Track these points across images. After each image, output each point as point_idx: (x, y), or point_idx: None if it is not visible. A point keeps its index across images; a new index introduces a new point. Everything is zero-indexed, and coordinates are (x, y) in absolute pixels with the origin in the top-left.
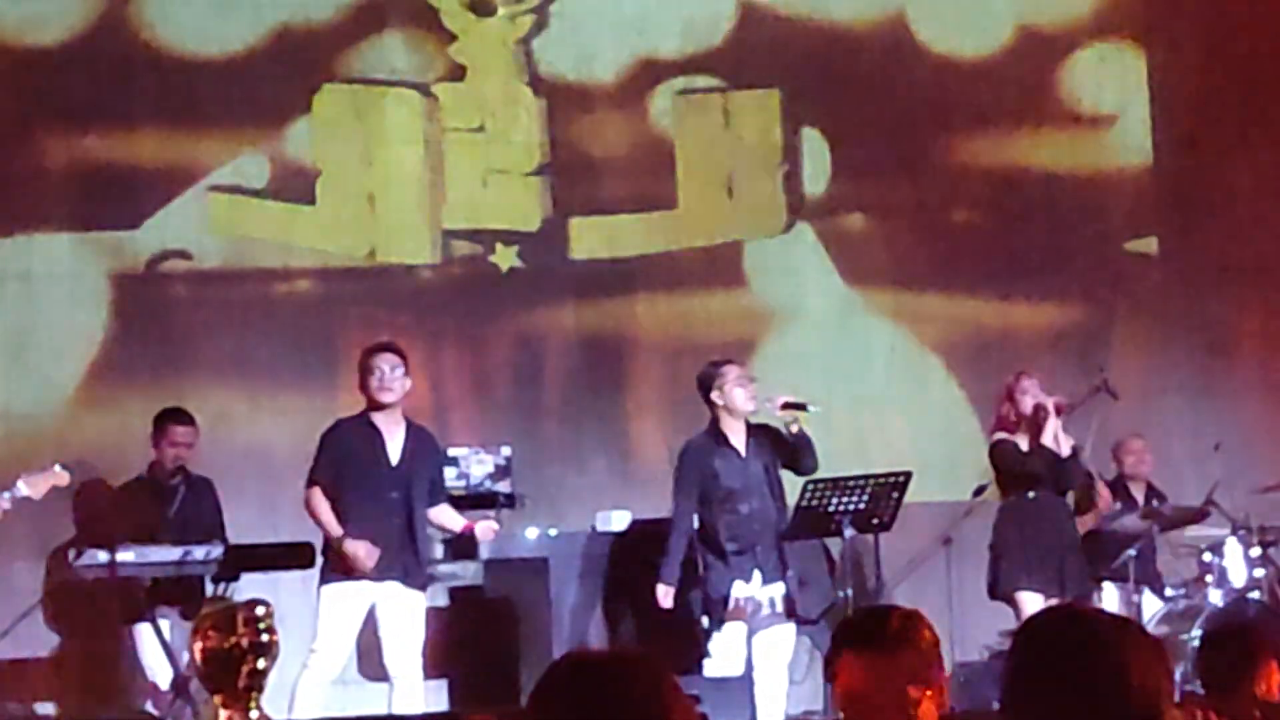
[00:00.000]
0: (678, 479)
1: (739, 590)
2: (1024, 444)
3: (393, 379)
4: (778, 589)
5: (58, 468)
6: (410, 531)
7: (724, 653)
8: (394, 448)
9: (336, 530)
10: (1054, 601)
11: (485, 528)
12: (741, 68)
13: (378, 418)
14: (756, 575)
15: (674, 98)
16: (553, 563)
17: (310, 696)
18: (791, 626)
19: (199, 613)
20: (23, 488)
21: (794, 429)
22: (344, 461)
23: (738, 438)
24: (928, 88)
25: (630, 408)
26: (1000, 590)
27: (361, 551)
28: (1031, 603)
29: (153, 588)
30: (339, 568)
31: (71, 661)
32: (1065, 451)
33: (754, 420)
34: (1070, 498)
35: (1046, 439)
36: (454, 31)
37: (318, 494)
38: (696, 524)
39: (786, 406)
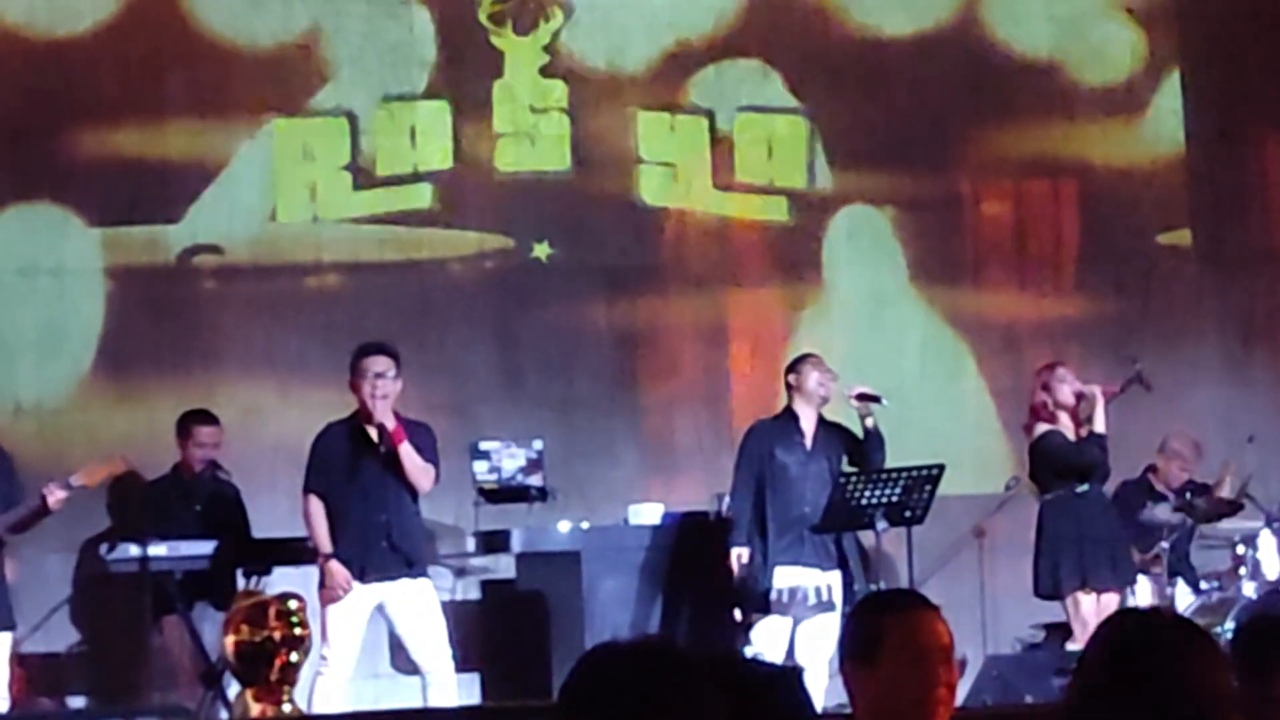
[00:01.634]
0: (738, 459)
1: (781, 580)
2: (1070, 434)
3: (385, 389)
4: (834, 577)
5: (115, 459)
6: (398, 524)
7: (765, 644)
8: (378, 446)
9: (326, 547)
10: (1109, 595)
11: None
12: (772, 61)
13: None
14: (804, 561)
15: (706, 91)
16: (585, 556)
17: (329, 698)
18: (837, 616)
19: (231, 606)
20: (79, 477)
21: (869, 422)
22: (334, 466)
23: (807, 424)
24: (960, 80)
25: (662, 401)
26: (1058, 589)
27: (339, 579)
28: (1087, 602)
29: (184, 581)
30: None
31: (103, 654)
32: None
33: (827, 416)
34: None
35: (1098, 426)
36: (486, 27)
37: (315, 504)
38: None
39: (862, 397)
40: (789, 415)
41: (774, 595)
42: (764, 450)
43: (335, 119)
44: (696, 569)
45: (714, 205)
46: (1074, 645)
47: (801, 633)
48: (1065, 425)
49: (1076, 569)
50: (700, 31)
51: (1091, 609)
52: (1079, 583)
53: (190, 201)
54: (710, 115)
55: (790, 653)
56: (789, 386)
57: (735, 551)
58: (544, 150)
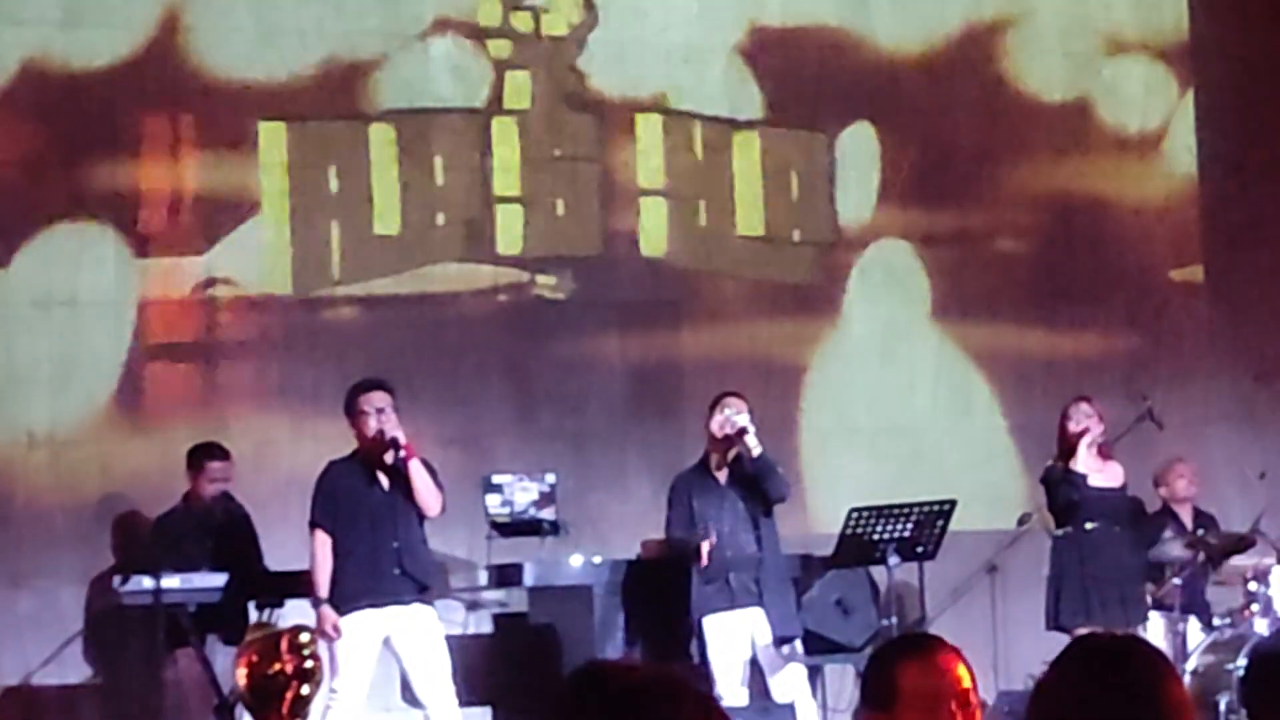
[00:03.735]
0: (668, 513)
1: (715, 624)
2: (1081, 468)
3: (384, 424)
4: (754, 614)
5: None
6: (408, 551)
7: (719, 684)
8: (383, 475)
9: (322, 591)
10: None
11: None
12: (788, 95)
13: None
14: (733, 604)
15: (717, 126)
16: (597, 590)
17: None
18: (791, 653)
19: (243, 639)
20: None
21: (754, 453)
22: (340, 501)
23: (719, 466)
24: (974, 116)
25: (675, 435)
26: (1059, 623)
27: (327, 624)
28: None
29: (197, 614)
30: (342, 602)
31: (116, 688)
32: (1112, 482)
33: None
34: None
35: (1076, 465)
36: (502, 59)
37: (321, 540)
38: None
39: (739, 433)
40: (705, 459)
41: (712, 658)
42: (683, 502)
43: (351, 152)
44: None
45: (728, 238)
46: None
47: (775, 685)
48: (1077, 460)
49: (1080, 605)
50: (713, 64)
51: None
52: (1082, 618)
53: (205, 235)
54: (726, 148)
55: (766, 693)
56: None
57: (705, 544)
58: (559, 185)
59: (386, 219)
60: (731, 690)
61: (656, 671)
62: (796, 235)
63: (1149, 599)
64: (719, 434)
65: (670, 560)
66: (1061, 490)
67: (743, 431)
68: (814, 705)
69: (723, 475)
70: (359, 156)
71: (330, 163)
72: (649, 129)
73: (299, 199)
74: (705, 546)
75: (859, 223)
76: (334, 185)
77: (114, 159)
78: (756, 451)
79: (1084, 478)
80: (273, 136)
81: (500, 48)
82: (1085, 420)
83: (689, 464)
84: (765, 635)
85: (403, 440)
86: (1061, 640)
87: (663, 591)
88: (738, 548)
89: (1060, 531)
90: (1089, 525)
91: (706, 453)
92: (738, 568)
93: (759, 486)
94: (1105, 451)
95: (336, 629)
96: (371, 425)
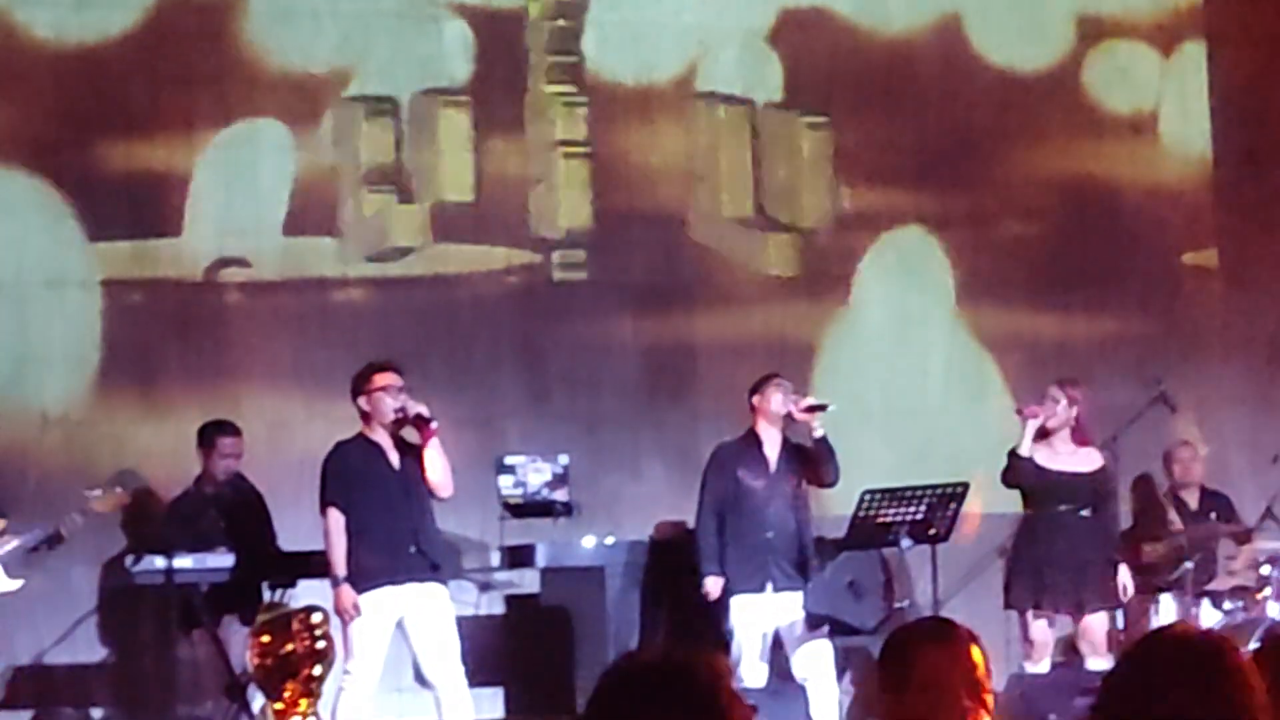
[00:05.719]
0: (702, 482)
1: (745, 616)
2: (1041, 451)
3: (404, 402)
4: (794, 598)
5: (119, 490)
6: (423, 530)
7: (742, 664)
8: (394, 455)
9: (340, 570)
10: (1067, 620)
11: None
12: (798, 77)
13: (376, 434)
14: (768, 586)
15: (728, 107)
16: (609, 571)
17: (353, 711)
18: (823, 635)
19: (255, 619)
20: (95, 504)
21: (816, 434)
22: (352, 481)
23: (771, 447)
24: (986, 98)
25: (688, 417)
26: (1010, 604)
27: (346, 603)
28: (1035, 624)
29: (209, 594)
30: (359, 581)
31: (128, 667)
32: (1081, 467)
33: (793, 438)
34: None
35: (1022, 449)
36: (517, 39)
37: (336, 519)
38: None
39: (810, 409)
40: (752, 437)
41: (739, 638)
42: (728, 473)
43: (366, 132)
44: None
45: (740, 221)
46: (1028, 664)
47: (796, 660)
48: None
49: (1030, 587)
50: (727, 46)
51: (1041, 631)
52: (1030, 600)
53: (218, 215)
54: (737, 131)
55: (785, 674)
56: (752, 409)
57: (711, 581)
58: (571, 166)
59: (401, 201)
60: (752, 669)
61: (687, 660)
62: (810, 218)
63: (1125, 586)
64: (781, 412)
65: (689, 537)
66: (1008, 475)
67: (813, 409)
68: (835, 684)
69: (773, 455)
70: (368, 134)
71: (343, 141)
72: (663, 110)
73: (311, 178)
74: (709, 584)
75: (872, 206)
76: (344, 167)
77: (127, 139)
78: (820, 433)
79: (1028, 460)
80: (286, 118)
81: (514, 27)
82: (1046, 403)
83: (702, 445)
84: (794, 615)
85: (427, 415)
86: (1068, 625)
87: (678, 570)
88: (781, 529)
89: (1025, 513)
90: (1062, 508)
91: (751, 430)
92: (778, 550)
93: (816, 468)
94: (1081, 436)
95: (356, 607)
96: (390, 403)
